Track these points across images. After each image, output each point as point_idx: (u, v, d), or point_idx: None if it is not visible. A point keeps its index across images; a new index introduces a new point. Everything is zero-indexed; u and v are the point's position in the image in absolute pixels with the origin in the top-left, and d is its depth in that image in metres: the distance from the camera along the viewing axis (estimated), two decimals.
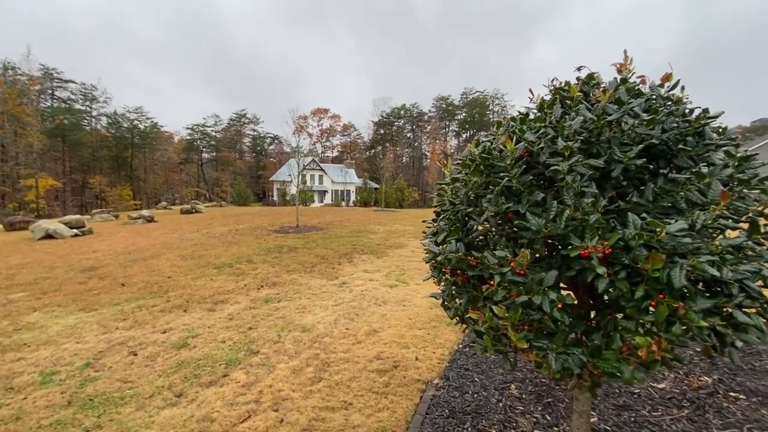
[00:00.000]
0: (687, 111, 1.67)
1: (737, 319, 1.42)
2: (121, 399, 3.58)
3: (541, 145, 1.67)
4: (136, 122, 59.86)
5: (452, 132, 75.46)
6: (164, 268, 9.41)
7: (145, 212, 24.18)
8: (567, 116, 1.76)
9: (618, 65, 1.98)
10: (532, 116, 2.10)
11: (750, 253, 1.51)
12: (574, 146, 1.56)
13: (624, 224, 1.53)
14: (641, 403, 3.18)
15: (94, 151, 55.50)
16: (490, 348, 1.84)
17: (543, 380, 3.67)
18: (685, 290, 1.40)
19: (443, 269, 2.08)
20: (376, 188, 49.88)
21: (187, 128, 70.21)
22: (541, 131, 1.71)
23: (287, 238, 13.88)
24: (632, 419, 2.97)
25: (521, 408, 3.28)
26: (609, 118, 1.62)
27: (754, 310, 1.50)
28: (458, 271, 2.07)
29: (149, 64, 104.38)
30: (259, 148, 78.12)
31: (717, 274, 1.29)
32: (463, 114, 72.55)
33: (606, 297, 1.94)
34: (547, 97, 2.08)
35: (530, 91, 1.99)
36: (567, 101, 1.84)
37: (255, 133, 77.59)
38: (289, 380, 3.84)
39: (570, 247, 1.54)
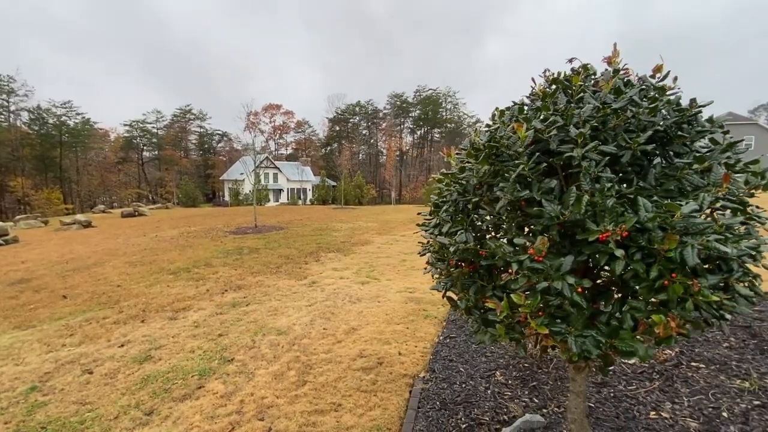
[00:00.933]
0: (680, 100, 1.77)
1: (738, 293, 1.53)
2: (81, 423, 3.21)
3: (552, 133, 1.69)
4: (64, 118, 54.28)
5: (407, 129, 76.42)
6: (111, 277, 8.62)
7: (80, 217, 22.05)
8: (571, 105, 1.79)
9: (607, 58, 2.06)
10: (525, 108, 2.13)
11: (735, 232, 1.63)
12: (586, 133, 1.59)
13: (633, 208, 1.58)
14: (617, 379, 3.38)
15: (14, 150, 49.59)
16: (502, 336, 1.84)
17: (525, 365, 3.80)
18: (697, 268, 1.47)
19: (450, 261, 2.05)
20: (333, 186, 49.32)
21: (125, 125, 64.85)
22: (550, 119, 1.73)
23: (246, 239, 13.29)
24: (611, 395, 3.16)
25: (509, 393, 3.36)
26: (615, 106, 1.68)
27: (745, 284, 1.63)
28: (463, 262, 2.06)
29: (78, 54, 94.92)
30: (206, 145, 74.07)
31: (729, 251, 1.38)
32: (417, 111, 73.68)
33: (601, 280, 2.02)
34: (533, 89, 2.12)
35: (532, 80, 2.02)
36: (568, 91, 1.88)
37: (202, 130, 73.42)
38: (272, 386, 3.65)
39: (586, 231, 1.57)
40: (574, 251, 1.72)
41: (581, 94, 1.82)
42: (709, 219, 1.49)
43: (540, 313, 1.70)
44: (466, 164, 1.94)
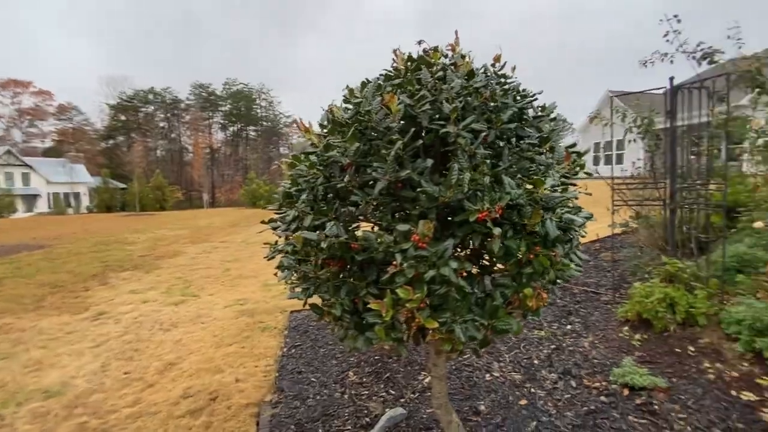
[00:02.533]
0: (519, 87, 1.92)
1: (573, 260, 1.73)
2: None
3: (424, 108, 1.54)
4: None
5: (217, 124, 69.23)
6: None
7: None
8: (436, 81, 1.70)
9: (451, 45, 2.09)
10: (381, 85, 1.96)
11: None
12: (460, 109, 1.51)
13: (498, 187, 1.59)
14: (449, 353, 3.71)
15: None
16: (383, 339, 1.61)
17: (376, 357, 3.76)
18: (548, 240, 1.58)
19: (315, 260, 1.68)
20: (123, 188, 40.14)
21: None
22: (420, 93, 1.58)
23: None
24: (454, 367, 3.42)
25: (366, 392, 3.23)
26: (476, 85, 1.66)
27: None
28: (330, 260, 1.73)
29: None
30: None
31: (581, 221, 1.52)
32: (228, 106, 67.74)
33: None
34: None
35: (394, 52, 1.84)
36: (429, 69, 1.79)
37: None
38: None
39: (465, 212, 1.49)
40: (447, 234, 1.63)
41: (441, 72, 1.75)
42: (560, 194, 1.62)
43: (422, 305, 1.54)
44: (331, 141, 1.61)
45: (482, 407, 2.81)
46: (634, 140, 4.68)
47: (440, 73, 1.78)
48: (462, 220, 1.52)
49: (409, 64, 1.87)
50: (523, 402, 2.81)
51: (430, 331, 1.53)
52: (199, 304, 5.98)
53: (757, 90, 3.83)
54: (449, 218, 1.66)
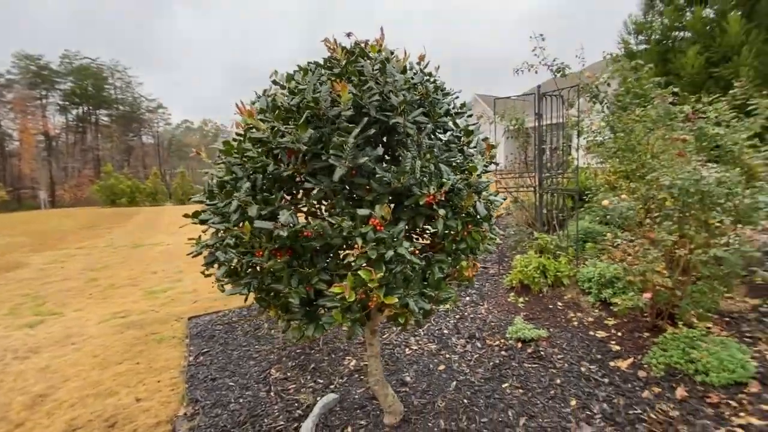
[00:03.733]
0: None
1: (495, 236, 2.04)
2: None
3: (373, 99, 1.62)
4: None
5: (54, 106, 56.17)
6: None
7: None
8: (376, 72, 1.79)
9: (377, 41, 2.21)
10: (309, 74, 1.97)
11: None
12: (407, 101, 1.64)
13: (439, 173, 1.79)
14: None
15: None
16: (341, 321, 1.67)
17: (298, 350, 3.72)
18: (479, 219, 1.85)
19: (258, 252, 1.64)
20: None
21: None
22: (367, 84, 1.65)
23: None
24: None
25: (293, 386, 3.20)
26: (413, 82, 1.81)
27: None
28: (279, 251, 1.70)
29: None
30: None
31: (500, 201, 1.81)
32: (69, 84, 55.51)
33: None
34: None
35: (334, 42, 1.85)
36: (370, 61, 1.87)
37: None
38: None
39: (413, 197, 1.64)
40: (396, 218, 1.76)
41: (379, 65, 1.85)
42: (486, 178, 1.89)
43: (378, 284, 1.65)
44: (282, 128, 1.57)
45: (408, 378, 3.07)
46: (510, 137, 5.53)
47: (379, 66, 1.88)
48: (408, 204, 1.67)
49: (348, 55, 1.92)
50: (442, 367, 3.15)
51: (383, 308, 1.64)
52: (64, 323, 4.96)
53: (592, 99, 4.90)
54: (395, 203, 1.79)
